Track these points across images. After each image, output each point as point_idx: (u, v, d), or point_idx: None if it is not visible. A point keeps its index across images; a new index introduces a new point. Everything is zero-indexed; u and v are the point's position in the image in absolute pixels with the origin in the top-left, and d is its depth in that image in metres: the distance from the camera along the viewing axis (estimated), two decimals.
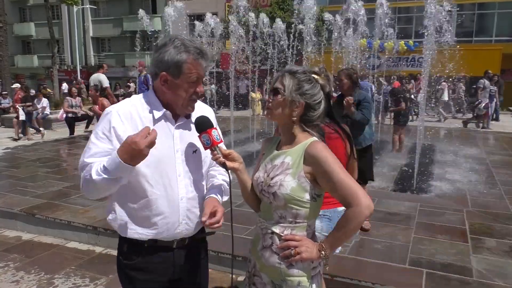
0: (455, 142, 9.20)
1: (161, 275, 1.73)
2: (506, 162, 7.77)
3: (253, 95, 16.63)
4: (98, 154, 1.58)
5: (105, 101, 10.41)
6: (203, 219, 1.61)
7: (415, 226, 4.39)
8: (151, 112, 1.65)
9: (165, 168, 1.64)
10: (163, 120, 1.66)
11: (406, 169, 7.06)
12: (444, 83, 15.41)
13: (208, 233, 1.87)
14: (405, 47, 21.00)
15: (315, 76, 1.65)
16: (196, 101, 1.70)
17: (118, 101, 12.97)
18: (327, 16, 10.96)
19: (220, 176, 1.82)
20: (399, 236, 4.11)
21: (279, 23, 10.82)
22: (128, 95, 19.22)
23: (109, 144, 1.58)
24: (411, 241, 4.00)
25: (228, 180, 1.80)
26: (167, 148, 1.65)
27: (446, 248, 3.85)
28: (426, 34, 6.23)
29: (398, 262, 3.56)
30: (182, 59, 1.57)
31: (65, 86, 21.25)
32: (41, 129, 11.70)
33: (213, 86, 18.05)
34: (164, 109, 1.66)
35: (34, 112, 12.06)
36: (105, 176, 1.48)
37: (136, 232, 1.66)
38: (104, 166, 1.49)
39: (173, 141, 1.68)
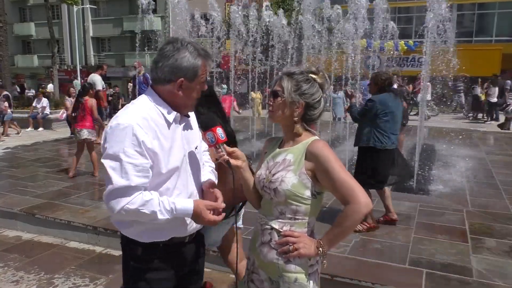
0: (455, 142, 9.20)
1: (175, 271, 1.76)
2: (506, 162, 7.77)
3: (253, 95, 16.48)
4: (140, 172, 1.55)
5: (68, 102, 10.70)
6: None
7: (415, 226, 4.39)
8: (162, 116, 1.64)
9: (181, 169, 1.68)
10: (174, 123, 1.68)
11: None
12: (428, 83, 15.45)
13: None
14: (405, 47, 21.00)
15: (313, 76, 1.67)
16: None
17: (108, 102, 13.01)
18: (328, 10, 10.71)
19: (207, 163, 1.92)
20: (399, 236, 4.11)
21: (280, 15, 10.61)
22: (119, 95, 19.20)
23: (144, 159, 1.55)
24: (411, 241, 4.00)
25: (214, 166, 1.90)
26: (181, 150, 1.69)
27: (446, 248, 3.85)
28: (425, 39, 6.24)
29: (398, 262, 3.56)
30: (198, 64, 1.62)
31: (50, 86, 20.98)
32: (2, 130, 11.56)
33: (225, 86, 17.58)
34: (175, 112, 1.67)
35: (9, 112, 12.05)
36: (169, 217, 1.59)
37: (158, 235, 1.68)
38: (172, 211, 1.58)
39: (182, 142, 1.71)
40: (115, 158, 1.53)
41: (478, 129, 12.96)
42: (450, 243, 3.97)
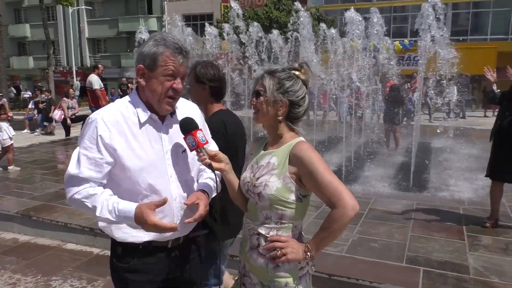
0: (451, 140, 9.23)
1: (156, 275, 1.72)
2: None
3: None
4: (92, 166, 1.57)
5: (64, 103, 11.86)
6: (185, 202, 1.64)
7: (412, 224, 4.41)
8: (136, 115, 1.63)
9: (156, 171, 1.63)
10: (149, 123, 1.65)
11: (403, 167, 7.08)
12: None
13: (201, 231, 1.87)
14: (401, 46, 21.05)
15: (296, 72, 1.62)
16: (174, 99, 1.65)
17: (39, 110, 12.98)
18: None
19: (206, 174, 1.83)
20: (396, 235, 4.13)
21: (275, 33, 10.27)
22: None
23: (98, 153, 1.57)
24: (408, 239, 4.02)
25: (214, 177, 1.78)
26: (156, 152, 1.65)
27: (443, 246, 3.87)
28: (420, 34, 6.25)
29: (395, 260, 3.57)
30: (158, 52, 1.57)
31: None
32: None
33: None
34: (150, 112, 1.64)
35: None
36: (111, 218, 1.55)
37: (132, 235, 1.65)
38: (113, 211, 1.54)
39: (161, 143, 1.66)
40: (78, 148, 1.62)
41: (474, 127, 13.00)
42: (447, 241, 3.99)
